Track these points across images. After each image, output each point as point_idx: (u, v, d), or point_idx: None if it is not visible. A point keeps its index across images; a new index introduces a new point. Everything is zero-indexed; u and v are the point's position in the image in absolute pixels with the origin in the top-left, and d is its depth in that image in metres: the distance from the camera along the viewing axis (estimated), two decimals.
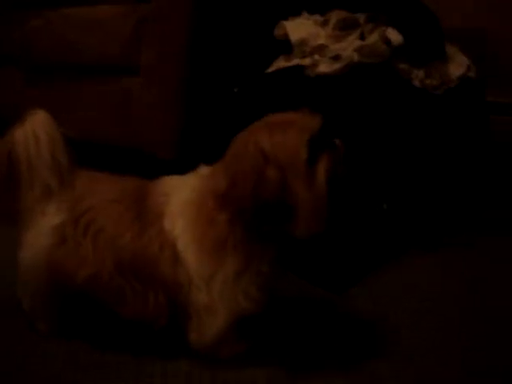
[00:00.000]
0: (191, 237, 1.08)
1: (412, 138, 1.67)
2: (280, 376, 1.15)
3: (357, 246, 1.56)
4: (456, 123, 1.84)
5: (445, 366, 1.19)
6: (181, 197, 1.11)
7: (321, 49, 1.69)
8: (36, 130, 1.15)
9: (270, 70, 1.78)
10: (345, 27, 1.74)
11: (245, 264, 1.08)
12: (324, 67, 1.63)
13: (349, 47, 1.65)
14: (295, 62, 1.71)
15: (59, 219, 1.15)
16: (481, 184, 2.06)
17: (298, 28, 1.77)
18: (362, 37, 1.71)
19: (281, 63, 1.77)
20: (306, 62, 1.67)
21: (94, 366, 1.18)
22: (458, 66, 1.91)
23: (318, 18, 1.80)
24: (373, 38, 1.67)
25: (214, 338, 1.13)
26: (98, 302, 1.17)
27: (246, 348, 1.20)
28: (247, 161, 1.02)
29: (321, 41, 1.71)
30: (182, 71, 1.92)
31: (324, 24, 1.77)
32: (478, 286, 1.54)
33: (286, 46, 1.78)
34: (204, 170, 1.15)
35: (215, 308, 1.09)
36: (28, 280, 1.21)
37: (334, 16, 1.76)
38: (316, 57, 1.67)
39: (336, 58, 1.65)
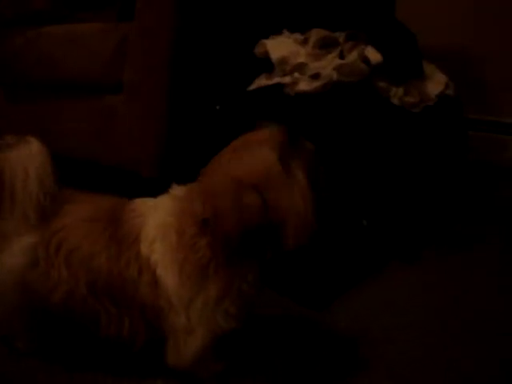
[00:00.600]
0: (171, 262, 1.07)
1: (391, 155, 1.69)
2: None
3: (337, 262, 1.57)
4: (434, 140, 1.87)
5: (426, 379, 1.21)
6: (157, 220, 1.11)
7: (301, 67, 1.71)
8: (26, 162, 1.13)
9: (251, 87, 1.80)
10: (324, 46, 1.76)
11: (226, 287, 1.08)
12: (304, 85, 1.64)
13: (328, 66, 1.68)
14: (276, 80, 1.72)
15: (30, 240, 1.14)
16: (459, 199, 2.09)
17: (279, 46, 1.79)
18: (342, 55, 1.73)
19: (262, 81, 1.79)
20: (286, 80, 1.69)
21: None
22: (437, 83, 1.94)
23: (298, 36, 1.82)
24: (352, 56, 1.69)
25: (191, 358, 1.13)
26: (74, 322, 1.16)
27: (224, 367, 1.20)
28: (225, 196, 1.02)
29: (301, 59, 1.73)
30: (164, 89, 1.93)
31: (304, 42, 1.79)
32: (458, 299, 1.56)
33: (266, 64, 1.80)
34: (177, 190, 1.15)
35: (193, 330, 1.09)
36: (3, 300, 1.20)
37: (314, 35, 1.79)
38: (296, 75, 1.69)
39: (316, 76, 1.67)
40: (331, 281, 1.57)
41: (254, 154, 1.04)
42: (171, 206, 1.11)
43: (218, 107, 1.83)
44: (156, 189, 1.21)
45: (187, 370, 1.16)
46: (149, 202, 1.17)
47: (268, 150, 1.04)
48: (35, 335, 1.27)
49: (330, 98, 1.62)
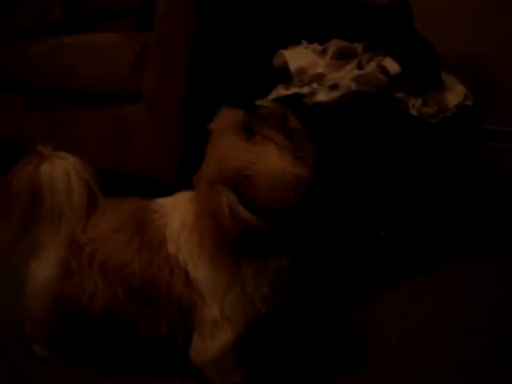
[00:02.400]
0: (199, 258, 1.09)
1: (409, 166, 1.68)
2: None
3: (354, 273, 1.56)
4: (453, 151, 1.85)
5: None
6: (179, 219, 1.13)
7: (319, 78, 1.71)
8: (68, 174, 1.16)
9: (269, 98, 1.80)
10: (343, 56, 1.76)
11: (262, 266, 1.09)
12: (322, 96, 1.65)
13: (347, 76, 1.68)
14: (294, 90, 1.73)
15: (62, 252, 1.17)
16: (476, 210, 2.08)
17: (297, 57, 1.79)
18: (360, 66, 1.73)
19: (280, 91, 1.79)
20: (305, 90, 1.69)
21: None
22: (455, 94, 1.93)
23: (316, 46, 1.82)
24: (370, 67, 1.69)
25: (216, 354, 1.13)
26: (113, 326, 1.20)
27: (242, 378, 1.20)
28: (203, 203, 1.05)
29: (319, 70, 1.73)
30: (183, 98, 1.94)
31: (323, 53, 1.79)
32: (477, 307, 1.55)
33: (285, 75, 1.80)
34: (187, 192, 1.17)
35: (223, 323, 1.10)
36: (32, 307, 1.24)
37: (333, 45, 1.79)
38: (314, 85, 1.69)
39: (334, 86, 1.67)
40: (348, 291, 1.56)
41: (217, 146, 1.07)
42: (188, 206, 1.13)
43: None
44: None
45: (209, 367, 1.16)
46: (168, 201, 1.19)
47: (228, 135, 1.06)
48: (56, 342, 1.29)
49: (349, 108, 1.62)
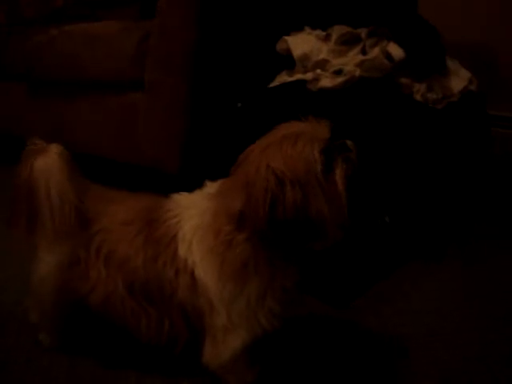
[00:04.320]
0: (210, 263, 1.06)
1: (413, 151, 1.67)
2: None
3: (359, 260, 1.56)
4: (457, 136, 1.85)
5: (454, 369, 1.21)
6: (193, 220, 1.09)
7: (323, 63, 1.70)
8: (47, 173, 1.15)
9: (273, 84, 1.80)
10: (346, 42, 1.75)
11: (268, 284, 1.06)
12: (326, 82, 1.64)
13: (350, 62, 1.67)
14: (297, 76, 1.72)
15: (70, 242, 1.16)
16: (482, 195, 2.07)
17: (301, 43, 1.78)
18: (364, 51, 1.72)
19: (283, 78, 1.79)
20: (308, 76, 1.69)
21: (93, 380, 1.19)
22: (460, 79, 1.92)
23: (319, 32, 1.82)
24: (374, 52, 1.68)
25: (229, 357, 1.11)
26: (112, 322, 1.17)
27: (255, 378, 1.19)
28: (260, 183, 0.98)
29: (323, 55, 1.72)
30: (185, 86, 1.93)
31: (326, 39, 1.78)
32: (483, 292, 1.55)
33: (288, 61, 1.80)
34: (210, 187, 1.12)
35: (233, 329, 1.07)
36: (39, 295, 1.23)
37: (336, 31, 1.78)
38: (318, 71, 1.69)
39: (338, 72, 1.66)
40: (353, 278, 1.56)
41: (295, 147, 1.00)
42: (205, 205, 1.09)
43: (239, 104, 1.83)
44: (176, 186, 1.21)
45: (221, 370, 1.14)
46: (183, 200, 1.15)
47: (311, 146, 1.00)
48: (62, 331, 1.29)
49: (353, 94, 1.61)
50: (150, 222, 1.13)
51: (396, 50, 1.69)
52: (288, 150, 1.00)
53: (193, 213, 1.10)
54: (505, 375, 1.20)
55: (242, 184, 1.02)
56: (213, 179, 1.15)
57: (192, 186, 1.18)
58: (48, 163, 1.15)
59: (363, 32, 1.77)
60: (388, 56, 1.69)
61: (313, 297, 1.52)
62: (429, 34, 1.86)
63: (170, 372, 1.22)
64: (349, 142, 1.07)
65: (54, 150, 1.16)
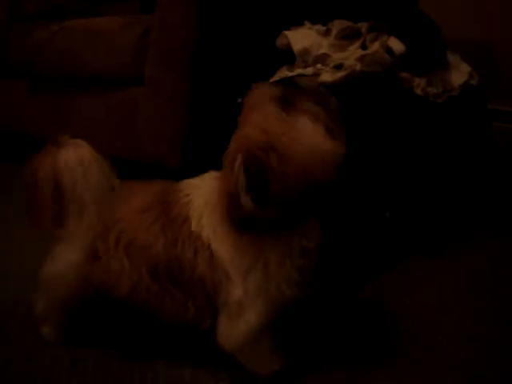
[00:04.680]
0: (223, 234, 1.05)
1: (414, 145, 1.68)
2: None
3: (360, 254, 1.56)
4: (458, 131, 1.85)
5: (457, 364, 1.21)
6: (202, 198, 1.10)
7: (323, 58, 1.70)
8: (84, 162, 1.15)
9: (273, 79, 1.79)
10: (347, 37, 1.75)
11: (287, 250, 1.04)
12: (326, 76, 1.64)
13: (351, 56, 1.67)
14: (298, 71, 1.72)
15: (89, 235, 1.16)
16: (483, 190, 2.07)
17: (301, 38, 1.78)
18: (364, 46, 1.72)
19: (284, 73, 1.78)
20: (309, 71, 1.68)
21: (98, 372, 1.19)
22: (460, 73, 1.92)
23: (320, 27, 1.81)
24: (375, 47, 1.68)
25: (245, 335, 1.08)
26: (138, 309, 1.18)
27: (282, 366, 1.16)
28: (232, 169, 0.98)
29: (323, 50, 1.72)
30: (186, 81, 1.93)
31: (326, 33, 1.78)
32: (485, 287, 1.55)
33: (288, 56, 1.79)
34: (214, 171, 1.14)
35: (249, 303, 1.06)
36: (53, 290, 1.23)
37: (336, 26, 1.78)
38: (318, 66, 1.68)
39: (338, 67, 1.66)
40: (355, 273, 1.56)
41: (253, 116, 1.01)
42: (212, 184, 1.09)
43: (239, 100, 1.83)
44: (178, 179, 1.22)
45: (240, 353, 1.12)
46: (193, 182, 1.16)
47: (265, 106, 1.00)
48: (67, 325, 1.29)
49: (353, 88, 1.61)
50: (164, 206, 1.13)
51: (396, 45, 1.68)
52: (248, 121, 1.02)
53: (202, 191, 1.11)
54: (508, 369, 1.20)
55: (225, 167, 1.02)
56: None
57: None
58: (73, 156, 1.15)
59: (363, 27, 1.76)
60: (388, 50, 1.68)
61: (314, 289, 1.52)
62: (429, 28, 1.86)
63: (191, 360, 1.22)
64: (302, 82, 1.06)
65: (79, 143, 1.18)
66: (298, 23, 1.86)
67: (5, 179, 2.49)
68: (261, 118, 1.00)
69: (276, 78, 1.79)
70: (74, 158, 1.15)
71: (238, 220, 1.01)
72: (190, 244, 1.08)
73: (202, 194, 1.11)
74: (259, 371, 1.15)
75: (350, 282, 1.54)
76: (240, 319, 1.07)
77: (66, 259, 1.18)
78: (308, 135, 0.97)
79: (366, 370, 1.21)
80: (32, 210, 1.18)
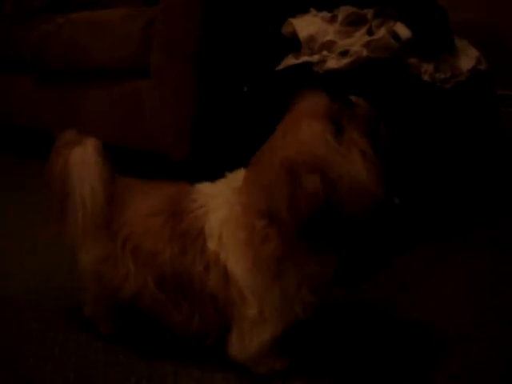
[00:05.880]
0: (243, 256, 1.03)
1: (422, 131, 1.66)
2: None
3: (369, 242, 1.55)
4: (467, 116, 1.83)
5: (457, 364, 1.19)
6: (220, 212, 1.06)
7: (329, 45, 1.69)
8: (90, 159, 1.14)
9: (279, 67, 1.79)
10: (353, 23, 1.74)
11: (305, 275, 1.03)
12: (333, 63, 1.63)
13: (357, 42, 1.66)
14: (304, 58, 1.71)
15: (102, 235, 1.15)
16: (492, 175, 2.06)
17: (306, 25, 1.77)
18: (370, 32, 1.71)
19: (290, 61, 1.78)
20: (315, 58, 1.68)
21: (108, 364, 1.18)
22: (468, 59, 1.90)
23: (325, 14, 1.80)
24: (381, 32, 1.67)
25: (257, 350, 1.09)
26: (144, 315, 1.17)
27: (286, 366, 1.15)
28: (280, 185, 0.95)
29: (329, 37, 1.71)
30: (192, 72, 1.93)
31: (332, 20, 1.77)
32: (493, 275, 1.53)
33: (294, 44, 1.78)
34: (234, 179, 1.10)
35: (263, 321, 1.05)
36: (86, 289, 1.25)
37: (342, 12, 1.76)
38: (324, 53, 1.68)
39: (344, 53, 1.65)
40: (364, 260, 1.56)
41: (301, 131, 0.96)
42: (232, 197, 1.06)
43: (245, 89, 1.83)
44: (185, 171, 1.21)
45: (249, 363, 1.12)
46: (208, 190, 1.12)
47: (316, 123, 0.96)
48: (117, 320, 1.28)
49: (360, 75, 1.60)
50: (175, 212, 1.10)
51: (403, 30, 1.67)
52: (295, 136, 0.97)
53: (219, 203, 1.07)
54: (508, 369, 1.18)
55: (261, 184, 1.00)
56: (222, 165, 1.15)
57: (200, 172, 1.17)
58: (83, 157, 1.14)
59: (369, 12, 1.75)
60: (395, 36, 1.67)
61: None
62: (436, 13, 1.85)
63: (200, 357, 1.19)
64: (353, 98, 1.02)
65: (90, 143, 1.16)
66: (304, 10, 1.85)
67: (4, 177, 2.50)
68: (310, 137, 0.96)
69: (282, 65, 1.78)
70: (81, 158, 1.14)
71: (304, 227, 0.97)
72: (201, 259, 1.06)
73: (218, 206, 1.07)
74: (264, 371, 1.14)
75: (357, 269, 1.53)
76: (253, 336, 1.07)
77: (82, 260, 1.19)
78: (358, 170, 0.94)
79: (366, 368, 1.20)
80: (50, 210, 1.19)
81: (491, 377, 1.14)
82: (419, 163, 1.69)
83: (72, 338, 1.26)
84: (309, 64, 1.69)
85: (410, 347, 1.24)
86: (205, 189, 1.13)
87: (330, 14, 1.79)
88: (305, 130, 0.97)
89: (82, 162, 1.14)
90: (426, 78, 1.73)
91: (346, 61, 1.61)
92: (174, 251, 1.08)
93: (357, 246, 1.50)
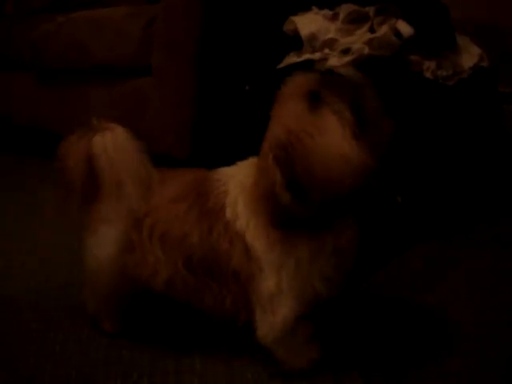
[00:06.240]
0: (257, 226, 1.02)
1: (424, 129, 1.66)
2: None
3: (371, 240, 1.55)
4: (469, 113, 1.83)
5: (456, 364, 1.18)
6: (238, 187, 1.06)
7: (331, 43, 1.69)
8: (120, 141, 1.12)
9: (281, 66, 1.78)
10: (354, 20, 1.73)
11: (320, 245, 1.01)
12: (334, 61, 1.62)
13: (359, 40, 1.65)
14: (305, 56, 1.70)
15: (122, 225, 1.13)
16: (494, 173, 2.05)
17: (308, 23, 1.76)
18: (372, 30, 1.70)
19: (292, 59, 1.77)
20: (316, 56, 1.67)
21: (109, 360, 1.18)
22: (470, 56, 1.90)
23: (327, 12, 1.79)
24: (383, 30, 1.66)
25: (280, 328, 1.06)
26: (179, 301, 1.16)
27: (320, 356, 1.12)
28: (265, 163, 0.96)
29: (331, 35, 1.70)
30: (193, 70, 1.92)
31: (333, 18, 1.77)
32: (490, 276, 1.52)
33: (296, 42, 1.78)
34: (247, 164, 1.10)
35: (282, 296, 1.03)
36: (94, 285, 1.22)
37: (344, 10, 1.76)
38: (326, 51, 1.67)
39: (346, 51, 1.64)
40: (365, 258, 1.55)
41: (280, 113, 0.98)
42: (248, 171, 1.05)
43: (247, 87, 1.82)
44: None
45: (276, 345, 1.09)
46: (228, 170, 1.12)
47: (292, 101, 0.96)
48: (121, 317, 1.26)
49: (362, 72, 1.59)
50: (199, 195, 1.10)
51: (405, 27, 1.66)
52: (275, 119, 0.98)
53: (238, 180, 1.07)
54: (508, 369, 1.17)
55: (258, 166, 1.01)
56: (222, 165, 1.14)
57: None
58: (110, 139, 1.12)
59: (371, 10, 1.75)
60: (397, 33, 1.66)
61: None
62: (437, 10, 1.84)
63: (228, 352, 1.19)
64: (342, 69, 1.02)
65: (115, 127, 1.14)
66: (305, 8, 1.84)
67: (4, 177, 2.50)
68: (287, 114, 0.97)
69: (284, 64, 1.78)
70: (111, 142, 1.12)
71: (276, 218, 0.98)
72: (225, 234, 1.05)
73: (237, 182, 1.07)
74: (296, 364, 1.12)
75: (359, 267, 1.52)
76: (274, 313, 1.05)
77: (101, 253, 1.15)
78: (331, 139, 0.92)
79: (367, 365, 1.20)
80: (64, 195, 1.16)
81: (491, 377, 1.13)
82: (421, 161, 1.68)
83: (72, 337, 1.25)
84: (311, 62, 1.68)
85: (409, 346, 1.23)
86: (226, 170, 1.12)
87: (331, 12, 1.79)
88: (282, 111, 0.98)
89: (109, 144, 1.11)
90: (428, 75, 1.72)
91: (347, 59, 1.61)
92: (201, 231, 1.07)
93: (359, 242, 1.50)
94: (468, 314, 1.34)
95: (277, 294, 1.03)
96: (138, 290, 1.19)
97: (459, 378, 1.12)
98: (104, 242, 1.15)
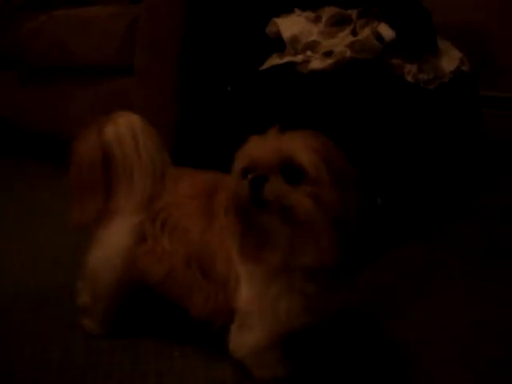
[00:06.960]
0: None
1: (405, 132, 1.67)
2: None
3: (351, 242, 1.55)
4: (449, 117, 1.84)
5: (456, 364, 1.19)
6: None
7: (313, 45, 1.69)
8: (133, 129, 1.12)
9: (263, 67, 1.79)
10: (337, 23, 1.74)
11: (284, 288, 1.00)
12: (316, 63, 1.63)
13: (341, 43, 1.66)
14: (288, 58, 1.71)
15: (136, 218, 1.12)
16: (473, 175, 2.07)
17: (291, 25, 1.77)
18: (354, 33, 1.71)
19: (274, 61, 1.78)
20: (299, 58, 1.68)
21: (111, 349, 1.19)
22: (451, 60, 1.91)
23: (310, 14, 1.80)
24: (365, 33, 1.67)
25: (253, 348, 1.07)
26: (167, 298, 1.16)
27: (287, 373, 1.11)
28: None
29: (313, 37, 1.71)
30: (175, 71, 1.92)
31: (316, 20, 1.77)
32: (473, 271, 1.54)
33: (278, 44, 1.78)
34: None
35: (255, 318, 1.03)
36: (99, 277, 1.18)
37: (326, 12, 1.77)
38: (308, 53, 1.68)
39: (328, 54, 1.65)
40: (346, 260, 1.55)
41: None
42: None
43: (229, 88, 1.82)
44: None
45: (248, 360, 1.09)
46: None
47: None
48: (112, 316, 1.24)
49: (343, 75, 1.60)
50: (211, 193, 1.11)
51: (386, 31, 1.68)
52: None
53: None
54: (508, 370, 1.17)
55: None
56: (205, 165, 1.15)
57: None
58: (123, 127, 1.11)
59: (354, 13, 1.76)
60: (378, 37, 1.68)
61: None
62: (420, 14, 1.86)
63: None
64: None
65: (129, 115, 1.14)
66: (288, 10, 1.85)
67: (4, 177, 2.48)
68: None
69: (266, 65, 1.78)
70: (125, 130, 1.11)
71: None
72: (219, 236, 1.06)
73: None
74: (265, 377, 1.11)
75: (339, 269, 1.53)
76: (249, 331, 1.05)
77: (115, 243, 1.14)
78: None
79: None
80: (77, 189, 1.14)
81: (491, 377, 1.14)
82: (402, 163, 1.69)
83: (72, 337, 1.25)
84: (293, 64, 1.69)
85: (404, 345, 1.25)
86: None
87: (314, 14, 1.80)
88: None
89: (132, 132, 1.11)
90: (409, 78, 1.74)
91: (329, 61, 1.61)
92: (200, 228, 1.08)
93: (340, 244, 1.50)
94: (454, 315, 1.35)
95: (251, 313, 1.04)
96: (138, 285, 1.17)
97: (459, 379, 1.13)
98: (120, 232, 1.13)
